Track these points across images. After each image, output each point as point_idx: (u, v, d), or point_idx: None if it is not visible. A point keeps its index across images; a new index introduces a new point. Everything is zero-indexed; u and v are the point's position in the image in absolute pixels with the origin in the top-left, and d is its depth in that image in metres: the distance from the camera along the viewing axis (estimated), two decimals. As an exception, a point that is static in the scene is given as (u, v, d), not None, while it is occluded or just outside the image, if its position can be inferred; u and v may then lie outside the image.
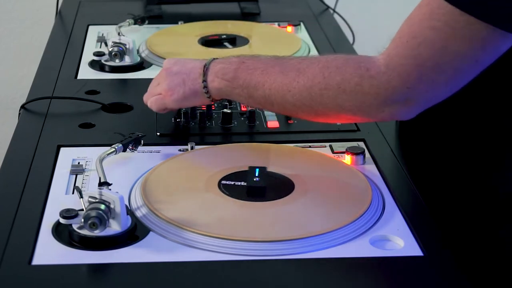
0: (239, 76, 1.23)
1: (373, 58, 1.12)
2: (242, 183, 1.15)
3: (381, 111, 1.12)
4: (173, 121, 1.39)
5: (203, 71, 1.26)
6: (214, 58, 1.28)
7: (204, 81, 1.26)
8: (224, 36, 1.76)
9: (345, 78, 1.13)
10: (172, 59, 1.33)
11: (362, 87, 1.11)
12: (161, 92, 1.31)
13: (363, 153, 1.26)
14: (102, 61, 1.63)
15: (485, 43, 1.04)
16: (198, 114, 1.38)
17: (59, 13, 2.02)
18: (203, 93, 1.27)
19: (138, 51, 1.69)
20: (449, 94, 1.11)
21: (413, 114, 1.13)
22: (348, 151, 1.26)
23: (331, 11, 2.06)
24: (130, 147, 1.25)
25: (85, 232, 1.04)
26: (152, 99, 1.33)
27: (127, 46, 1.62)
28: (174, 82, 1.29)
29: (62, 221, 1.06)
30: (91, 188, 1.17)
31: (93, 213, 1.04)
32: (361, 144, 1.32)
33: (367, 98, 1.11)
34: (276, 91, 1.19)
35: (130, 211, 1.11)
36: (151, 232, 1.07)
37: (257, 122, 1.39)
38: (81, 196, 1.06)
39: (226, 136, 1.35)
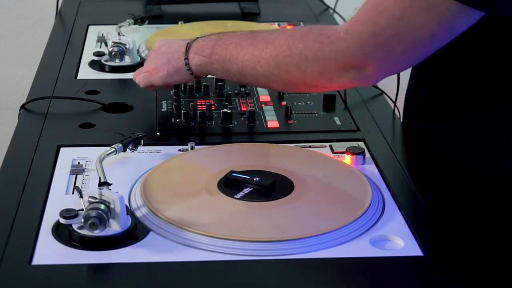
0: (215, 52, 1.29)
1: (335, 26, 1.17)
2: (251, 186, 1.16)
3: (341, 76, 1.16)
4: (173, 121, 1.39)
5: (185, 49, 1.33)
6: (197, 37, 1.35)
7: (186, 58, 1.33)
8: None
9: (307, 44, 1.17)
10: (162, 40, 1.42)
11: (323, 53, 1.15)
12: (148, 70, 1.39)
13: (363, 153, 1.26)
14: (102, 61, 1.63)
15: (441, 16, 1.07)
16: (198, 114, 1.38)
17: (59, 13, 2.02)
18: (186, 70, 1.34)
19: (138, 51, 1.69)
20: (407, 66, 1.15)
21: (372, 81, 1.16)
22: (348, 151, 1.26)
23: (331, 11, 2.06)
24: (130, 147, 1.25)
25: (85, 232, 1.04)
26: (140, 76, 1.41)
27: (127, 46, 1.62)
28: (160, 61, 1.37)
29: (62, 221, 1.06)
30: (91, 188, 1.17)
31: (93, 213, 1.04)
32: (361, 144, 1.32)
33: (327, 63, 1.15)
34: (248, 62, 1.24)
35: (130, 211, 1.11)
36: (151, 232, 1.07)
37: (257, 122, 1.39)
38: (81, 196, 1.06)
39: (226, 136, 1.35)
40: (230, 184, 1.16)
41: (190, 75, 1.34)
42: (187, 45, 1.34)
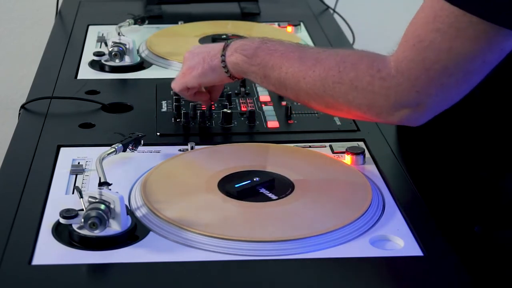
0: (258, 54, 1.24)
1: (385, 59, 1.11)
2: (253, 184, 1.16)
3: (391, 114, 1.12)
4: (173, 121, 1.39)
5: (224, 47, 1.29)
6: (236, 39, 1.30)
7: (223, 55, 1.28)
8: (230, 35, 1.76)
9: (358, 75, 1.12)
10: (198, 45, 1.38)
11: (373, 87, 1.11)
12: (183, 71, 1.34)
13: (363, 153, 1.26)
14: (102, 61, 1.63)
15: (490, 42, 1.03)
16: (198, 114, 1.38)
17: (59, 13, 2.02)
18: (221, 68, 1.29)
19: (138, 51, 1.69)
20: (460, 96, 1.10)
21: (425, 119, 1.12)
22: (348, 151, 1.26)
23: (331, 11, 2.06)
24: (130, 147, 1.25)
25: (85, 232, 1.04)
26: (174, 81, 1.36)
27: (127, 46, 1.62)
28: (194, 61, 1.32)
29: (62, 221, 1.06)
30: (91, 188, 1.17)
31: (93, 213, 1.04)
32: (361, 144, 1.32)
33: (377, 98, 1.11)
34: (291, 75, 1.19)
35: (130, 211, 1.11)
36: (151, 232, 1.07)
37: (257, 122, 1.39)
38: (81, 196, 1.06)
39: (226, 136, 1.35)
40: (242, 194, 1.14)
41: (225, 73, 1.29)
42: (225, 43, 1.29)
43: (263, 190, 1.15)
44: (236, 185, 1.15)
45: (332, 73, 1.15)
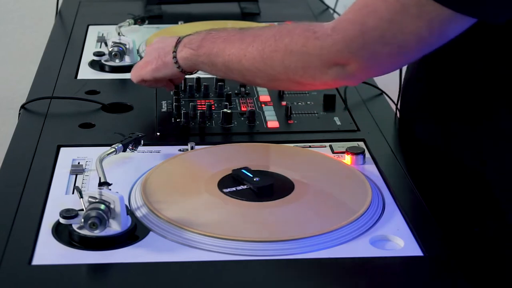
0: (203, 45, 1.29)
1: (323, 23, 1.15)
2: (246, 186, 1.15)
3: (324, 73, 1.14)
4: (173, 121, 1.39)
5: (176, 43, 1.33)
6: (189, 34, 1.34)
7: (174, 51, 1.33)
8: None
9: (293, 39, 1.16)
10: (159, 37, 1.42)
11: (307, 48, 1.14)
12: (140, 65, 1.40)
13: (363, 153, 1.26)
14: (102, 61, 1.63)
15: (431, 23, 1.06)
16: (198, 114, 1.38)
17: (59, 13, 2.02)
18: (173, 64, 1.33)
19: (138, 51, 1.69)
20: (392, 69, 1.14)
21: (355, 80, 1.16)
22: (348, 151, 1.26)
23: (331, 11, 2.06)
24: (130, 147, 1.25)
25: (85, 232, 1.04)
26: (132, 71, 1.41)
27: (127, 46, 1.62)
28: (152, 56, 1.38)
29: (62, 221, 1.06)
30: (91, 188, 1.17)
31: (93, 213, 1.04)
32: (361, 144, 1.32)
33: (311, 58, 1.14)
34: (234, 56, 1.23)
35: (130, 211, 1.11)
36: (151, 232, 1.07)
37: (257, 122, 1.39)
38: (81, 196, 1.06)
39: (226, 136, 1.35)
40: (233, 179, 1.16)
41: (177, 69, 1.33)
42: (178, 39, 1.34)
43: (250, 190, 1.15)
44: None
45: (269, 43, 1.19)
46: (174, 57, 1.33)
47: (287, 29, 1.18)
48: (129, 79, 1.53)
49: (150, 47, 1.40)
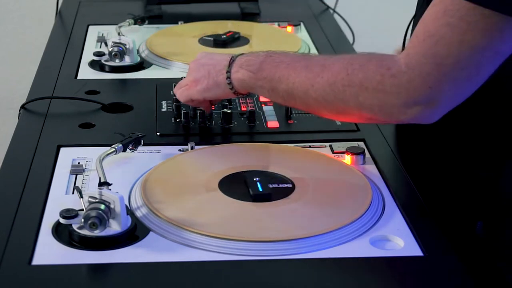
0: (264, 68, 1.22)
1: (394, 57, 1.10)
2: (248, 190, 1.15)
3: (403, 113, 1.10)
4: (173, 121, 1.39)
5: (229, 62, 1.27)
6: (242, 53, 1.28)
7: (228, 71, 1.27)
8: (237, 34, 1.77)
9: (368, 76, 1.11)
10: (204, 52, 1.35)
11: (384, 86, 1.09)
12: (187, 83, 1.32)
13: (363, 153, 1.26)
14: (102, 61, 1.63)
15: (502, 33, 1.03)
16: (198, 114, 1.38)
17: (59, 13, 2.02)
18: (226, 84, 1.27)
19: (138, 51, 1.69)
20: (474, 90, 1.09)
21: (437, 116, 1.11)
22: (348, 151, 1.26)
23: (331, 11, 2.06)
24: (130, 147, 1.25)
25: (85, 232, 1.04)
26: (179, 91, 1.34)
27: (127, 46, 1.62)
28: (200, 73, 1.30)
29: (62, 221, 1.06)
30: (91, 188, 1.17)
31: (93, 213, 1.04)
32: (361, 144, 1.32)
33: (389, 97, 1.09)
34: (299, 85, 1.18)
35: (130, 211, 1.11)
36: (151, 232, 1.07)
37: (257, 122, 1.39)
38: (81, 196, 1.06)
39: (226, 136, 1.35)
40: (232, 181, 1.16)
41: (229, 90, 1.27)
42: (231, 58, 1.27)
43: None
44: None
45: (341, 77, 1.13)
46: (228, 77, 1.26)
47: (359, 63, 1.12)
48: (130, 79, 1.54)
49: (195, 63, 1.32)
